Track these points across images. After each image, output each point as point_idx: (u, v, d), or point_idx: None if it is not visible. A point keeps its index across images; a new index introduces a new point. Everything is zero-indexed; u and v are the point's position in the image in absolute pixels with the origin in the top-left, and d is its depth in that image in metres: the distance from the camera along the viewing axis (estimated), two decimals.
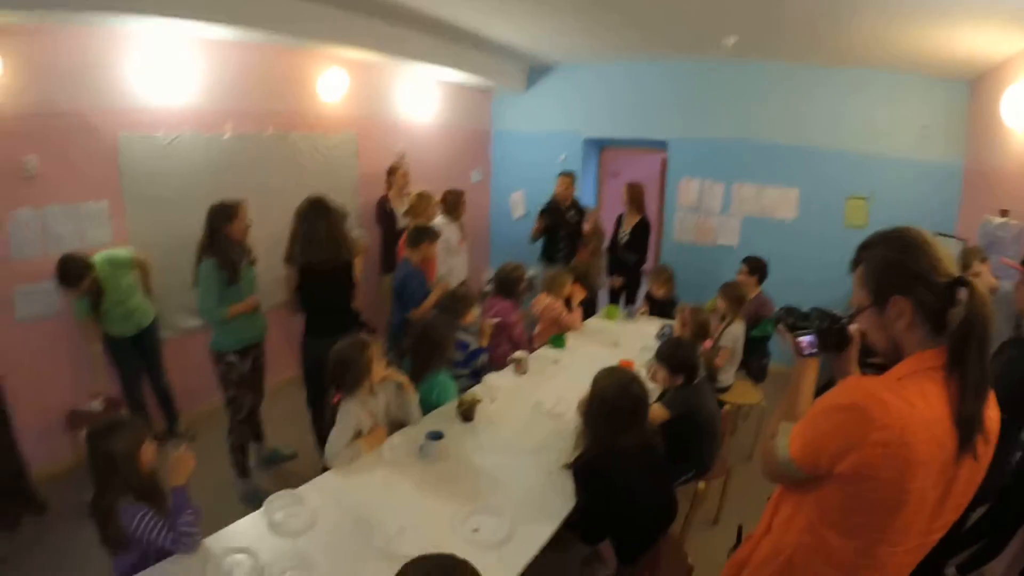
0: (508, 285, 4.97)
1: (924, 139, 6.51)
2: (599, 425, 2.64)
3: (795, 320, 1.78)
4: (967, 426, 1.34)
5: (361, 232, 4.62)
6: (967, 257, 3.95)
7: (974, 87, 6.15)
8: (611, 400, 2.62)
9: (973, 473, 1.42)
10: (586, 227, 6.91)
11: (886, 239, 1.52)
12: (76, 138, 4.30)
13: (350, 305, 4.40)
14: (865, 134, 6.76)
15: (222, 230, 3.91)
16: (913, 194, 6.58)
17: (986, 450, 1.40)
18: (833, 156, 6.90)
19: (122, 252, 4.48)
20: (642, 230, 6.85)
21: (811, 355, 1.72)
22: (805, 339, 1.71)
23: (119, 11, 3.96)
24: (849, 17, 4.78)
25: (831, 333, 1.71)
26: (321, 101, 6.16)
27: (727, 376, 4.93)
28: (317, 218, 4.04)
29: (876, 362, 1.60)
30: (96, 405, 4.35)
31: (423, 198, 5.57)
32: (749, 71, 7.12)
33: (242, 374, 4.13)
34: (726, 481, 4.09)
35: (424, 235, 4.91)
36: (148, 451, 2.34)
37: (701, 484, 3.16)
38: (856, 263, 1.58)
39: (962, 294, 1.37)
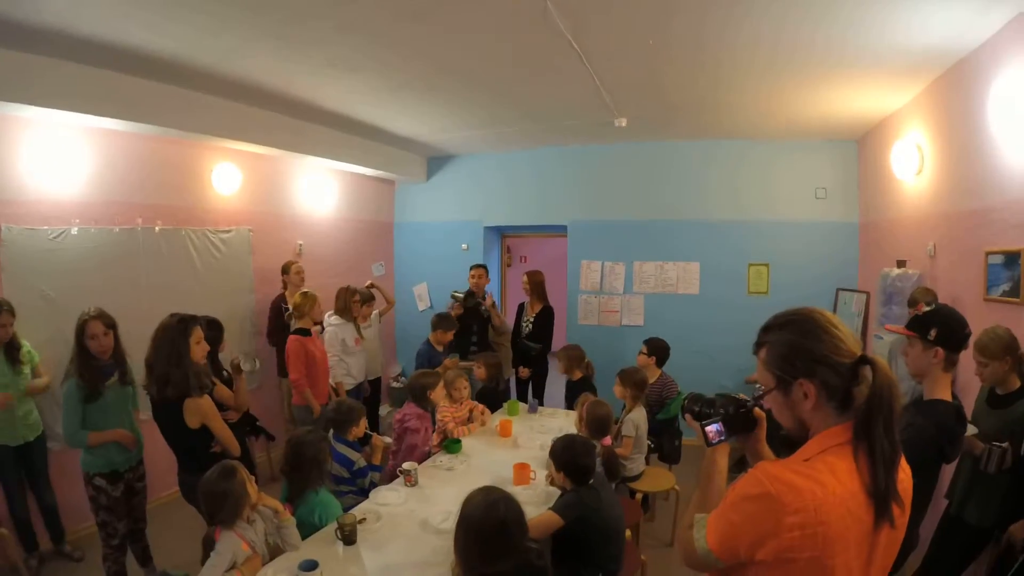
0: (417, 392, 4.84)
1: (819, 200, 7.20)
2: (465, 551, 2.49)
3: (701, 408, 1.84)
4: (881, 498, 1.41)
5: (245, 357, 4.48)
6: (915, 297, 4.44)
7: (862, 145, 6.89)
8: (476, 524, 2.47)
9: (892, 538, 1.49)
10: (490, 310, 7.05)
11: (788, 322, 1.58)
12: None
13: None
14: (761, 202, 7.42)
15: (79, 345, 3.85)
16: (813, 254, 7.23)
17: (902, 515, 1.48)
18: (731, 227, 7.51)
19: (29, 347, 4.48)
20: (545, 318, 7.06)
21: (719, 442, 1.77)
22: (712, 427, 1.76)
23: (5, 100, 4.09)
24: (728, 89, 5.33)
25: (737, 418, 1.79)
26: (214, 194, 6.27)
27: (635, 464, 4.96)
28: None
29: (787, 434, 1.70)
30: None
31: (307, 298, 5.61)
32: (642, 151, 7.77)
33: (113, 499, 3.96)
34: (643, 575, 4.09)
35: (450, 323, 6.34)
36: None
37: None
38: (759, 346, 1.64)
39: (866, 371, 1.46)
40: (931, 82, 4.79)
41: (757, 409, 1.79)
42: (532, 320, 7.07)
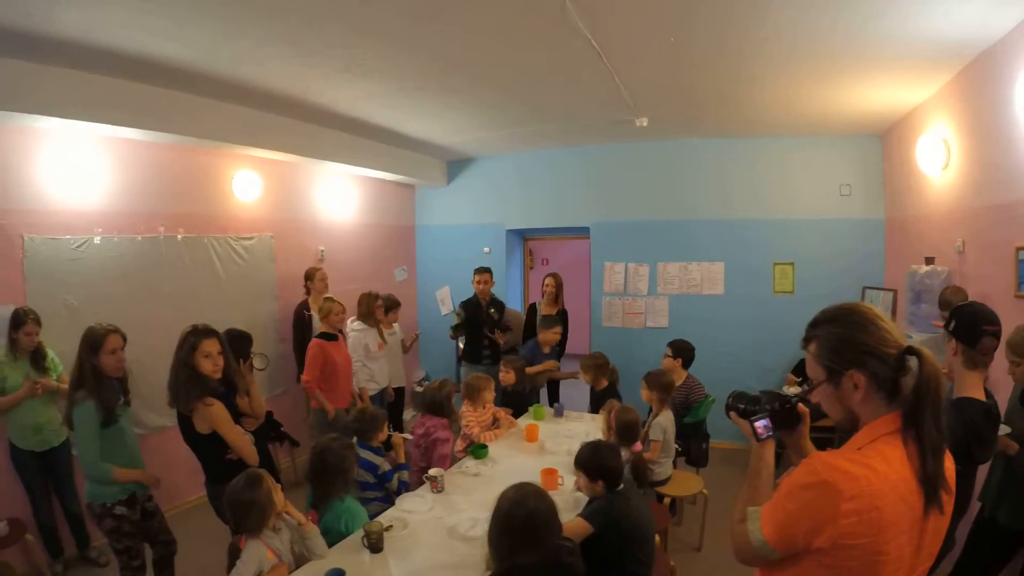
0: (436, 405, 4.86)
1: (844, 197, 7.07)
2: (496, 543, 2.54)
3: (746, 405, 1.92)
4: (931, 484, 1.48)
5: (258, 357, 4.52)
6: (947, 298, 4.29)
7: (886, 139, 6.75)
8: (504, 515, 2.53)
9: (940, 523, 1.54)
10: (502, 340, 7.03)
11: (836, 317, 1.66)
12: None
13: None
14: (785, 200, 7.30)
15: (91, 363, 3.63)
16: (838, 252, 7.09)
17: (949, 501, 1.53)
18: (755, 225, 7.40)
19: (53, 355, 4.56)
20: (562, 320, 7.05)
21: (767, 438, 1.85)
22: (760, 423, 1.85)
23: (23, 111, 4.14)
24: (750, 85, 5.25)
25: (783, 413, 1.88)
26: (235, 202, 6.33)
27: (663, 468, 4.90)
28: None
29: (823, 425, 1.77)
30: (0, 527, 4.23)
31: (329, 303, 5.64)
32: (664, 150, 7.69)
33: (134, 523, 3.77)
34: None
35: (553, 322, 6.62)
36: None
37: None
38: (808, 340, 1.72)
39: (912, 362, 1.52)
40: (955, 74, 4.69)
41: (801, 405, 1.89)
42: None
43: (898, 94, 5.31)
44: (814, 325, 1.71)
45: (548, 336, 6.50)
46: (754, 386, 6.98)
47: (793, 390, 5.84)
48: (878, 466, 1.46)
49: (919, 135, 5.35)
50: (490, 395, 5.23)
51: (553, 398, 7.01)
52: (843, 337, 1.62)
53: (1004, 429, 2.98)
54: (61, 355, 4.58)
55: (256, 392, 4.36)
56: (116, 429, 3.71)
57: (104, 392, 3.64)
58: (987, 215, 4.29)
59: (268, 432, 4.78)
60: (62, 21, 3.58)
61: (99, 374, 3.65)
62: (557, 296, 7.16)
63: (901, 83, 5.00)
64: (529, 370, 6.25)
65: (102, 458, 3.60)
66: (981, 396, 2.74)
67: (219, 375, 3.68)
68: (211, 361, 3.61)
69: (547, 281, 7.20)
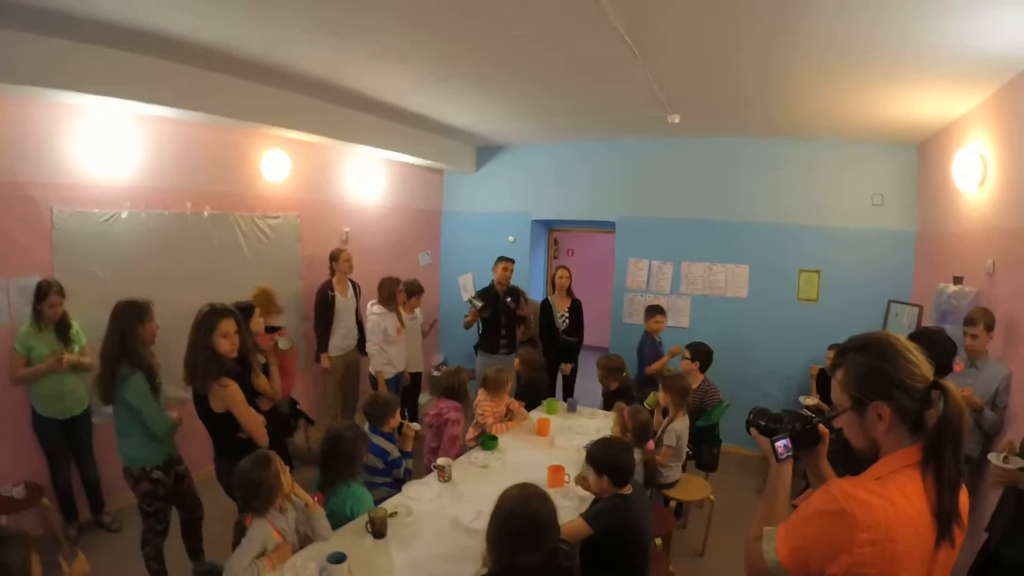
0: (451, 390, 4.97)
1: (876, 206, 6.90)
2: (496, 541, 2.56)
3: (768, 423, 1.91)
4: (945, 519, 1.50)
5: (282, 339, 4.64)
6: (973, 317, 4.12)
7: (923, 150, 6.55)
8: (506, 515, 2.55)
9: (950, 556, 1.55)
10: (525, 311, 7.07)
11: (866, 346, 1.66)
12: (9, 210, 4.43)
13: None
14: (815, 205, 7.15)
15: (134, 333, 3.76)
16: (866, 263, 6.92)
17: (961, 534, 1.55)
18: (783, 229, 7.28)
19: (78, 328, 4.65)
20: (577, 311, 7.17)
21: (787, 458, 1.84)
22: (781, 443, 1.84)
23: (59, 87, 4.20)
24: (793, 88, 5.13)
25: (803, 434, 1.86)
26: (263, 181, 6.37)
27: (672, 472, 4.90)
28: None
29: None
30: (17, 491, 4.33)
31: (264, 294, 5.61)
32: (695, 148, 7.59)
33: (168, 487, 3.96)
34: None
35: (655, 311, 6.71)
36: (36, 564, 2.24)
37: None
38: (835, 367, 1.72)
39: (938, 397, 1.54)
40: (997, 89, 4.54)
41: (821, 426, 1.87)
42: (567, 315, 7.11)
43: (938, 105, 5.16)
44: (843, 352, 1.71)
45: (655, 325, 6.60)
46: (771, 392, 6.96)
47: (811, 401, 5.80)
48: (895, 498, 1.47)
49: (956, 149, 5.20)
50: (509, 388, 5.27)
51: (568, 388, 7.10)
52: (871, 368, 1.61)
53: (1018, 462, 2.93)
54: (89, 326, 4.64)
55: (276, 373, 4.42)
56: (157, 397, 3.85)
57: (148, 362, 3.79)
58: (1021, 237, 4.16)
59: (280, 413, 4.81)
60: (97, 1, 3.61)
61: (142, 345, 3.78)
62: (569, 288, 7.20)
63: (942, 93, 4.85)
64: (654, 367, 6.38)
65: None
66: None
67: (236, 354, 3.74)
68: (228, 341, 3.67)
69: (561, 273, 7.23)
